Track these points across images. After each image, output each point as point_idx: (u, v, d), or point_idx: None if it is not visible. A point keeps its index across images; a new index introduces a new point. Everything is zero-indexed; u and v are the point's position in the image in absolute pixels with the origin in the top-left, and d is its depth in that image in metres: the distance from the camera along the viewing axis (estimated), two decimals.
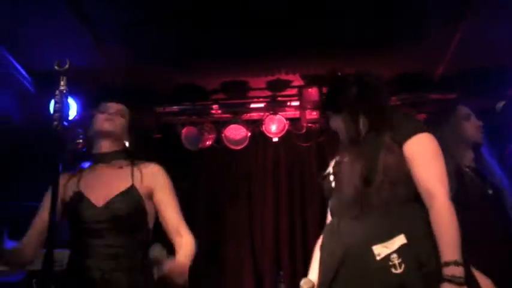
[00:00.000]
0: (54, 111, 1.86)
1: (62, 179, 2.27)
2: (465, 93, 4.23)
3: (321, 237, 2.22)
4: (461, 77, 4.27)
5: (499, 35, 3.72)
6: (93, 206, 2.23)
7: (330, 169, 2.22)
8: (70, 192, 2.29)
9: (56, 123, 1.83)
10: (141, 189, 2.30)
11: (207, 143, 4.53)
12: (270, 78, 4.41)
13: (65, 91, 1.88)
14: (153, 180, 2.34)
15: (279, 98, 4.50)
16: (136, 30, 3.66)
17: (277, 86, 4.45)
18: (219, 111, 4.54)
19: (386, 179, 1.98)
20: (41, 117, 3.96)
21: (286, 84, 4.45)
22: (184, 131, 4.47)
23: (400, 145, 2.04)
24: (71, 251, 2.26)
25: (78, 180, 2.32)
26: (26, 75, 3.93)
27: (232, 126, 4.47)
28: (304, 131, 4.57)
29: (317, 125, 4.62)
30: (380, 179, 1.97)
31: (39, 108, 3.96)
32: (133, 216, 2.25)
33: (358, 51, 3.96)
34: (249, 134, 4.53)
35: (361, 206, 1.99)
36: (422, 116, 4.38)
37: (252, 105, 4.53)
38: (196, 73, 4.28)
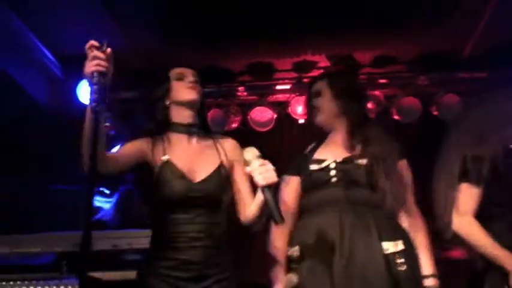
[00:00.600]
0: (93, 92, 1.81)
1: (145, 142, 2.25)
2: (495, 71, 4.15)
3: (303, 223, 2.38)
4: (490, 56, 4.17)
5: None
6: (189, 181, 2.19)
7: (331, 163, 2.35)
8: (158, 159, 2.22)
9: (94, 104, 1.78)
10: (227, 166, 2.28)
11: (233, 125, 4.52)
12: (296, 59, 4.37)
13: (102, 73, 1.83)
14: (235, 155, 2.31)
15: (305, 80, 4.44)
16: (161, 12, 3.64)
17: (303, 67, 4.40)
18: (245, 94, 4.52)
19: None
20: (69, 102, 4.00)
21: (312, 65, 4.40)
22: (210, 113, 4.45)
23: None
24: (156, 225, 2.22)
25: (165, 149, 2.24)
26: (54, 60, 3.96)
27: (258, 108, 4.45)
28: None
29: None
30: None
31: (67, 93, 4.00)
32: (223, 194, 2.25)
33: (386, 29, 3.91)
34: (275, 115, 4.50)
35: (373, 207, 2.29)
36: (451, 96, 4.31)
37: (278, 87, 4.49)
38: (222, 55, 4.27)
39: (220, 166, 2.26)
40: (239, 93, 4.52)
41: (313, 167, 2.39)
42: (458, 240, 2.48)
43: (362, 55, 4.38)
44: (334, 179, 2.34)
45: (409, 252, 2.25)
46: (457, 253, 2.99)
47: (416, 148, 4.42)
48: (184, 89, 2.30)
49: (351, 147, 2.40)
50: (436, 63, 4.29)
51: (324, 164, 2.38)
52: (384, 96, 4.45)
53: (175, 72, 2.36)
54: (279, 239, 2.40)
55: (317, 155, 2.45)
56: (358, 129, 2.41)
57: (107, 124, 2.38)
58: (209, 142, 2.33)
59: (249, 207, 2.22)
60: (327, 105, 2.48)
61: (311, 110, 2.53)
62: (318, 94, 2.51)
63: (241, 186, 2.29)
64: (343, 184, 2.31)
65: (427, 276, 2.28)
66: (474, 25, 3.90)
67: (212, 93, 4.43)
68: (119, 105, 4.28)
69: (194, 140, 2.31)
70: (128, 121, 4.27)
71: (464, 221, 2.33)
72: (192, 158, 2.25)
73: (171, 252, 2.12)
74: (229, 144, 2.36)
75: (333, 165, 2.36)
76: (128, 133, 4.14)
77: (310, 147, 2.52)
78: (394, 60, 4.36)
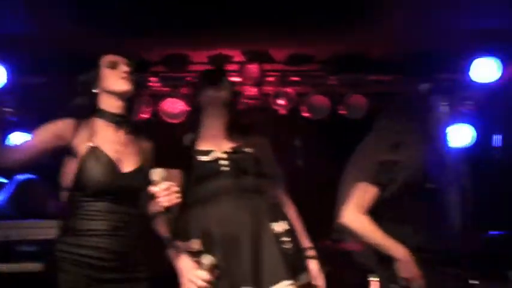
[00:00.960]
0: None
1: (67, 125, 2.19)
2: (403, 75, 4.35)
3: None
4: (399, 60, 4.37)
5: (436, 21, 3.83)
6: (117, 170, 2.17)
7: (220, 154, 2.46)
8: (82, 145, 2.17)
9: None
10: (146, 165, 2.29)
11: (144, 116, 4.45)
12: (211, 52, 4.36)
13: None
14: (151, 157, 2.34)
15: None
16: None
17: (218, 61, 4.40)
18: (158, 84, 4.47)
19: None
20: None
21: (227, 59, 4.41)
22: None
23: None
24: (72, 212, 2.16)
25: (90, 135, 2.20)
26: None
27: (169, 99, 4.41)
28: (243, 107, 4.56)
29: (257, 102, 4.63)
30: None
31: None
32: (144, 190, 2.22)
33: (302, 29, 3.98)
34: (188, 108, 4.47)
35: (261, 193, 2.46)
36: (358, 97, 4.47)
37: (192, 79, 4.47)
38: (137, 45, 4.18)
39: (143, 164, 2.26)
40: (151, 84, 4.46)
41: (202, 158, 2.44)
42: (352, 235, 2.61)
43: (277, 52, 4.45)
44: (225, 169, 2.43)
45: (292, 232, 2.44)
46: (352, 246, 3.12)
47: (324, 145, 4.62)
48: (117, 79, 2.24)
49: (231, 138, 2.52)
50: (346, 65, 4.42)
51: (213, 155, 2.45)
52: (295, 94, 4.56)
53: (107, 59, 2.28)
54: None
55: (201, 147, 2.50)
56: (237, 122, 2.57)
57: (8, 109, 2.27)
58: (133, 137, 2.31)
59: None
60: (225, 96, 2.53)
61: (209, 96, 2.55)
62: (223, 84, 2.56)
63: None
64: (234, 173, 2.43)
65: (308, 248, 2.51)
66: (385, 30, 4.06)
67: None
68: (23, 90, 4.12)
69: (121, 132, 2.26)
70: (33, 107, 4.12)
71: (356, 216, 2.44)
72: (118, 149, 2.22)
73: (89, 240, 2.08)
74: (148, 146, 2.36)
75: (222, 156, 2.46)
76: (32, 120, 4.00)
77: (187, 138, 2.56)
78: (308, 59, 4.45)
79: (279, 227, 2.39)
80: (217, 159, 2.45)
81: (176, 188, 2.14)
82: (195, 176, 2.44)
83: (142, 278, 2.19)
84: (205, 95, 2.52)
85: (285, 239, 2.37)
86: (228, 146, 2.51)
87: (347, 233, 2.56)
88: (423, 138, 2.56)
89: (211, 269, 2.23)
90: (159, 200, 2.11)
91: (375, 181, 2.45)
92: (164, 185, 2.11)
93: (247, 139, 2.54)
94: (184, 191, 2.37)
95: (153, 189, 2.12)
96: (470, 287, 2.79)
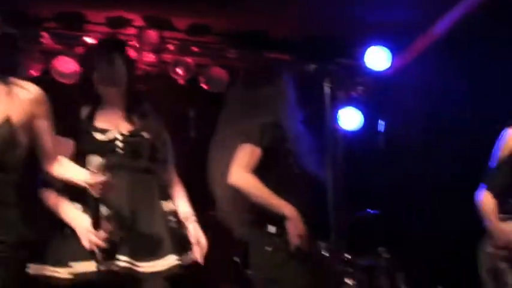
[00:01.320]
0: None
1: None
2: (298, 57, 4.47)
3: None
4: (300, 42, 4.48)
5: (338, 8, 3.99)
6: None
7: (117, 135, 2.43)
8: None
9: None
10: (19, 119, 2.08)
11: (34, 73, 4.22)
12: (111, 13, 4.21)
13: None
14: (35, 107, 2.14)
15: (120, 36, 4.30)
16: None
17: (117, 23, 4.26)
18: (50, 41, 4.23)
19: None
20: None
21: (127, 23, 4.28)
22: None
23: None
24: None
25: None
26: None
27: (62, 58, 4.20)
28: (140, 73, 4.46)
29: (155, 69, 4.55)
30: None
31: None
32: (9, 149, 2.05)
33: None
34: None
35: (153, 174, 2.47)
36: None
37: (87, 39, 4.28)
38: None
39: (5, 122, 2.05)
40: (43, 40, 4.21)
41: (99, 136, 2.42)
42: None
43: (179, 21, 4.38)
44: (120, 151, 2.43)
45: (177, 214, 2.49)
46: None
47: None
48: None
49: (130, 120, 2.51)
50: (247, 40, 4.47)
51: (109, 135, 2.44)
52: (195, 64, 4.52)
53: None
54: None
55: (98, 123, 2.46)
56: (135, 103, 2.55)
57: None
58: (3, 90, 2.10)
59: (55, 164, 2.22)
60: (123, 73, 2.49)
61: (106, 86, 2.48)
62: (120, 66, 2.48)
63: (44, 141, 2.19)
64: (128, 155, 2.43)
65: (192, 215, 2.54)
66: (289, 12, 4.13)
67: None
68: None
69: None
70: None
71: (244, 175, 2.54)
72: None
73: None
74: (30, 94, 2.14)
75: (119, 137, 2.44)
76: None
77: (84, 112, 2.50)
78: (208, 31, 4.44)
79: (167, 206, 2.45)
80: (113, 139, 2.43)
81: (112, 182, 2.15)
82: (88, 149, 2.41)
83: (9, 241, 2.04)
84: (101, 80, 2.46)
85: (172, 218, 2.43)
86: (125, 127, 2.48)
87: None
88: (300, 114, 2.69)
89: (109, 218, 2.22)
90: (91, 188, 2.14)
91: (258, 142, 2.56)
92: (101, 177, 2.12)
93: (145, 122, 2.52)
94: (74, 159, 2.34)
95: (88, 180, 2.13)
96: (343, 261, 2.97)
